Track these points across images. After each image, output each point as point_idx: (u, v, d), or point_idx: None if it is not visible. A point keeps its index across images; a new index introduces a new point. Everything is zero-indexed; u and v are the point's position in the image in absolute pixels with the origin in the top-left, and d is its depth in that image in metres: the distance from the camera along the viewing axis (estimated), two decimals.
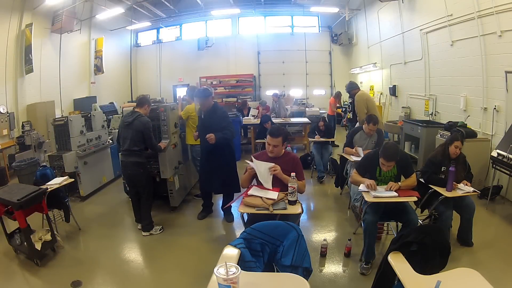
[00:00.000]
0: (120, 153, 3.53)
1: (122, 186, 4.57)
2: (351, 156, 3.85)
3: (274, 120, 6.64)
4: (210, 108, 3.58)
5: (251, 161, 2.58)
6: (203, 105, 3.54)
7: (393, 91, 7.76)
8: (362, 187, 2.73)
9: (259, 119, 6.88)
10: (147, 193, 3.46)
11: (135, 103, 3.54)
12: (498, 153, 3.74)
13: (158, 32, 12.08)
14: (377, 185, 2.77)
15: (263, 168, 2.52)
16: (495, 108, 4.30)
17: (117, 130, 3.68)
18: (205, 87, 3.78)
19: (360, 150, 3.80)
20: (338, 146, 6.75)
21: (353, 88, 5.09)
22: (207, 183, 3.76)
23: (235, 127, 6.36)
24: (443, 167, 2.94)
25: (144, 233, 3.43)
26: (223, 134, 3.45)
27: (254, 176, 2.63)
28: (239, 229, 3.46)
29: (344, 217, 3.82)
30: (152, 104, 4.24)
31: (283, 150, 2.68)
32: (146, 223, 3.45)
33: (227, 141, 3.54)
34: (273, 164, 2.51)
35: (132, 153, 3.32)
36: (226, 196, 3.79)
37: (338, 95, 8.47)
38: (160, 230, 3.50)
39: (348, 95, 5.61)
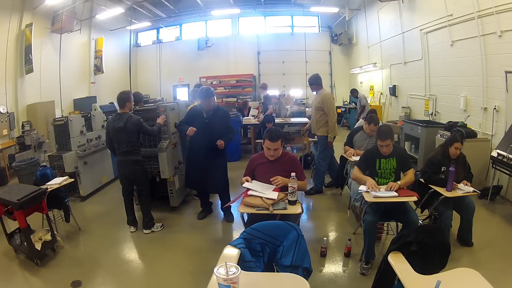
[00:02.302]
0: (116, 154, 3.46)
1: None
2: (351, 156, 3.85)
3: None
4: (215, 108, 3.58)
5: (247, 180, 2.59)
6: (207, 105, 3.53)
7: (393, 91, 7.76)
8: (362, 187, 2.73)
9: (262, 119, 6.86)
10: (146, 190, 3.49)
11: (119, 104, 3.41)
12: (498, 153, 3.74)
13: (158, 32, 12.08)
14: (377, 177, 2.81)
15: (264, 188, 2.50)
16: (495, 108, 4.30)
17: (106, 132, 3.51)
18: (207, 87, 3.77)
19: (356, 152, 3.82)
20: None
21: (319, 84, 4.47)
22: (192, 181, 3.77)
23: (235, 127, 6.38)
24: (443, 167, 2.94)
25: (145, 231, 3.45)
26: (228, 138, 3.53)
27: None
28: (239, 229, 3.46)
29: (344, 217, 3.82)
30: (152, 104, 4.26)
31: (281, 150, 2.68)
32: (147, 221, 3.47)
33: (229, 143, 3.59)
34: (273, 179, 2.50)
35: (131, 152, 3.34)
36: (223, 197, 3.79)
37: None
38: (161, 227, 3.54)
39: (347, 95, 5.42)
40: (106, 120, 5.33)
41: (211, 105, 3.55)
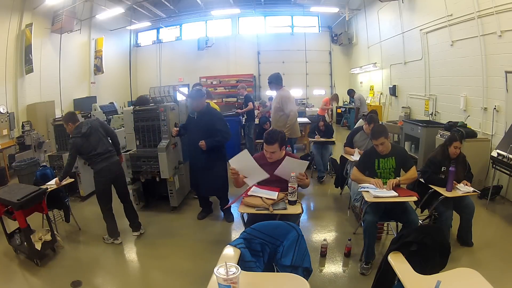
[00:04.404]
0: (97, 162, 3.17)
1: None
2: (351, 156, 3.85)
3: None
4: (203, 109, 3.60)
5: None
6: (196, 106, 3.57)
7: (393, 91, 7.76)
8: (364, 186, 2.72)
9: (259, 119, 6.88)
10: (129, 194, 3.47)
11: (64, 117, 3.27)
12: (498, 153, 3.74)
13: (158, 32, 12.09)
14: (377, 177, 2.80)
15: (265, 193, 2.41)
16: (495, 108, 4.30)
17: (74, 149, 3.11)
18: (198, 88, 3.79)
19: (356, 151, 3.81)
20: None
21: (278, 83, 4.35)
22: (192, 183, 3.84)
23: (235, 127, 6.38)
24: (443, 167, 2.94)
25: (135, 233, 3.41)
26: (215, 140, 3.46)
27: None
28: (239, 229, 3.46)
29: (344, 217, 3.82)
30: (152, 104, 4.26)
31: (283, 152, 2.67)
32: (138, 222, 3.44)
33: (219, 145, 3.53)
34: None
35: (112, 152, 3.27)
36: (222, 199, 3.80)
37: (335, 98, 8.48)
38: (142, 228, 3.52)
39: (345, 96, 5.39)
40: (106, 120, 5.34)
41: (199, 107, 3.56)
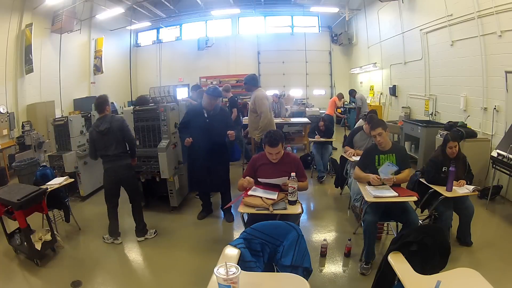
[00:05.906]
0: (104, 162, 3.22)
1: None
2: (351, 156, 3.85)
3: (274, 120, 6.62)
4: (217, 108, 3.61)
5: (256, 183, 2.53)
6: (211, 104, 3.52)
7: (393, 91, 7.76)
8: (366, 187, 2.72)
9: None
10: (138, 196, 3.44)
11: (97, 109, 3.27)
12: (498, 153, 3.74)
13: (158, 32, 12.10)
14: (377, 175, 2.79)
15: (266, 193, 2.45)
16: (495, 108, 4.30)
17: (90, 141, 3.27)
18: (216, 86, 3.75)
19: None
20: (336, 148, 6.72)
21: (254, 84, 4.25)
22: (195, 183, 3.78)
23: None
24: (444, 167, 2.94)
25: (139, 238, 3.34)
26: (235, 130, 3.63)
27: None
28: (239, 229, 3.46)
29: (344, 217, 3.82)
30: (152, 104, 4.26)
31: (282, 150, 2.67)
32: (141, 227, 3.37)
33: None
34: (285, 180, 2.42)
35: (122, 157, 3.23)
36: (224, 196, 3.80)
37: (341, 97, 8.51)
38: (154, 233, 3.41)
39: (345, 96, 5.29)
40: None
41: (212, 105, 3.55)
